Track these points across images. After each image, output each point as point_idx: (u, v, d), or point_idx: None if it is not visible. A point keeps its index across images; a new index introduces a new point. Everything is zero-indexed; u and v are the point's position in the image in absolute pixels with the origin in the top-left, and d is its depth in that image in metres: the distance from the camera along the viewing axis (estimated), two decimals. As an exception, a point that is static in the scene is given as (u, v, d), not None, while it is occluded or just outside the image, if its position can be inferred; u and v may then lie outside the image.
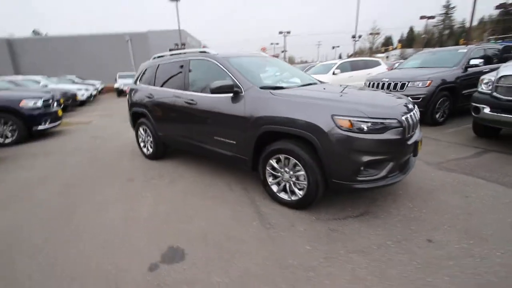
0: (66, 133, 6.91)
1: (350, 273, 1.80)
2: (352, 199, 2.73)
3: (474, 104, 4.24)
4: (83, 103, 13.11)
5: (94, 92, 15.21)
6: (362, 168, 2.16)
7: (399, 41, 70.40)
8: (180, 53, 3.83)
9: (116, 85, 17.84)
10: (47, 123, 6.18)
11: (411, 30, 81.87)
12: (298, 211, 2.57)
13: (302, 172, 2.40)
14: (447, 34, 71.18)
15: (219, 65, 3.04)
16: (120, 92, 17.99)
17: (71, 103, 11.12)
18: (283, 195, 2.65)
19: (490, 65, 6.10)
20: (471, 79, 5.91)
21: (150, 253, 2.08)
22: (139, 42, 25.63)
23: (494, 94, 3.96)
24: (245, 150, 2.80)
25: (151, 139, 4.16)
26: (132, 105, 4.38)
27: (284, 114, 2.40)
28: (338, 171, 2.20)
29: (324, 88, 2.90)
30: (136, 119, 4.44)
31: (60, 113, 6.73)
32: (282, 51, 45.68)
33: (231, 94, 2.83)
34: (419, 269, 1.81)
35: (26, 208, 2.93)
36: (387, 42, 76.67)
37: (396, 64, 9.50)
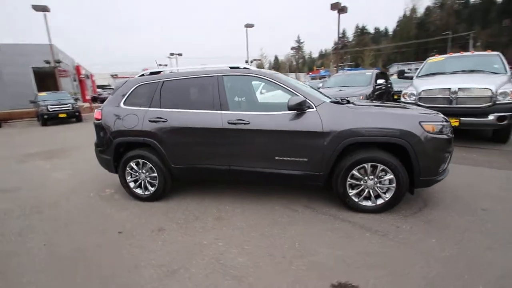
0: None
1: (483, 245, 2.14)
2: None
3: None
4: None
5: None
6: (443, 163, 2.62)
7: (272, 67, 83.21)
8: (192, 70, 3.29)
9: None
10: None
11: (276, 58, 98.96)
12: (382, 214, 2.74)
13: (390, 177, 2.62)
14: (301, 62, 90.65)
15: (276, 82, 2.89)
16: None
17: None
18: (365, 203, 2.76)
19: (382, 84, 8.37)
20: (378, 94, 7.93)
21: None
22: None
23: (418, 103, 5.51)
24: (321, 165, 2.75)
25: (153, 175, 3.26)
26: (114, 134, 3.30)
27: (374, 125, 2.57)
28: (427, 169, 2.57)
29: (372, 101, 3.28)
30: (120, 152, 3.38)
31: None
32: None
33: (295, 111, 2.74)
34: (505, 228, 2.38)
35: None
36: (260, 67, 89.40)
37: (320, 84, 11.32)
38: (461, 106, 4.97)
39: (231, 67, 3.14)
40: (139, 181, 3.37)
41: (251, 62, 29.16)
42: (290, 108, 2.63)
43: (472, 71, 5.72)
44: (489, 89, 4.71)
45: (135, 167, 3.33)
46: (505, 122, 4.68)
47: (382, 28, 77.73)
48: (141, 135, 3.19)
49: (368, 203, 2.76)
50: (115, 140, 3.30)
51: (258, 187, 3.59)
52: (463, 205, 2.86)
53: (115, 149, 3.34)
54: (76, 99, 14.34)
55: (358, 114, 2.68)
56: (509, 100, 4.66)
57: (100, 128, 3.45)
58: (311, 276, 1.94)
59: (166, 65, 43.61)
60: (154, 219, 2.93)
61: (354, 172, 2.70)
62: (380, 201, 2.73)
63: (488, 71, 5.54)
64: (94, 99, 24.29)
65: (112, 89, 31.47)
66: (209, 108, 3.01)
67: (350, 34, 78.60)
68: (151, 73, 3.45)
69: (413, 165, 2.57)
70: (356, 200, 2.77)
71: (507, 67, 5.52)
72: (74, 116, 13.13)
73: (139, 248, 2.41)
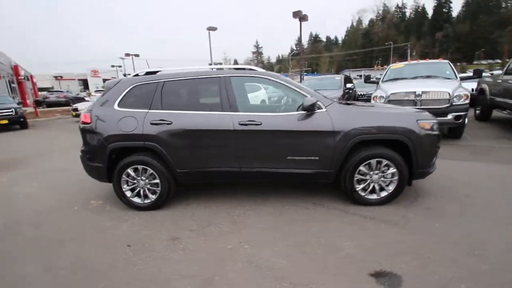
0: None
1: (481, 226, 2.47)
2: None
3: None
4: None
5: None
6: (434, 157, 2.95)
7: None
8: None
9: None
10: None
11: (236, 62, 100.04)
12: (386, 206, 2.96)
13: (392, 170, 2.86)
14: (260, 66, 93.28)
15: (283, 83, 2.98)
16: None
17: None
18: (370, 196, 2.97)
19: (351, 87, 9.06)
20: (347, 97, 8.53)
21: None
22: None
23: (388, 105, 6.08)
24: (331, 163, 2.87)
25: (154, 181, 3.05)
26: (108, 139, 3.00)
27: (379, 124, 2.79)
28: (423, 162, 2.86)
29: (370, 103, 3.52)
30: (114, 159, 3.09)
31: None
32: (124, 75, 41.55)
33: (307, 111, 2.83)
34: (492, 210, 2.77)
35: None
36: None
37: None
38: (425, 107, 5.60)
39: (236, 68, 3.12)
40: (137, 189, 3.12)
41: (216, 65, 28.82)
42: (305, 108, 2.71)
43: (429, 77, 6.51)
44: (448, 92, 5.42)
45: (132, 174, 3.07)
46: (461, 120, 5.43)
47: (332, 37, 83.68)
48: (141, 139, 2.97)
49: (373, 196, 2.97)
50: (109, 145, 3.01)
51: (261, 188, 3.59)
52: (449, 193, 3.24)
53: (109, 155, 3.04)
54: (20, 103, 12.53)
55: (364, 114, 2.88)
56: (462, 102, 5.42)
57: (88, 132, 3.11)
58: (349, 268, 2.03)
59: (120, 66, 40.82)
60: (162, 229, 2.74)
61: (361, 168, 2.88)
62: (383, 194, 2.95)
63: (442, 77, 6.37)
64: (39, 103, 21.50)
65: (60, 91, 28.08)
66: (217, 110, 2.94)
67: (304, 41, 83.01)
68: (147, 73, 3.24)
69: (413, 159, 2.84)
70: (363, 194, 2.96)
71: (457, 73, 6.42)
72: (18, 123, 11.48)
73: (160, 260, 2.24)
